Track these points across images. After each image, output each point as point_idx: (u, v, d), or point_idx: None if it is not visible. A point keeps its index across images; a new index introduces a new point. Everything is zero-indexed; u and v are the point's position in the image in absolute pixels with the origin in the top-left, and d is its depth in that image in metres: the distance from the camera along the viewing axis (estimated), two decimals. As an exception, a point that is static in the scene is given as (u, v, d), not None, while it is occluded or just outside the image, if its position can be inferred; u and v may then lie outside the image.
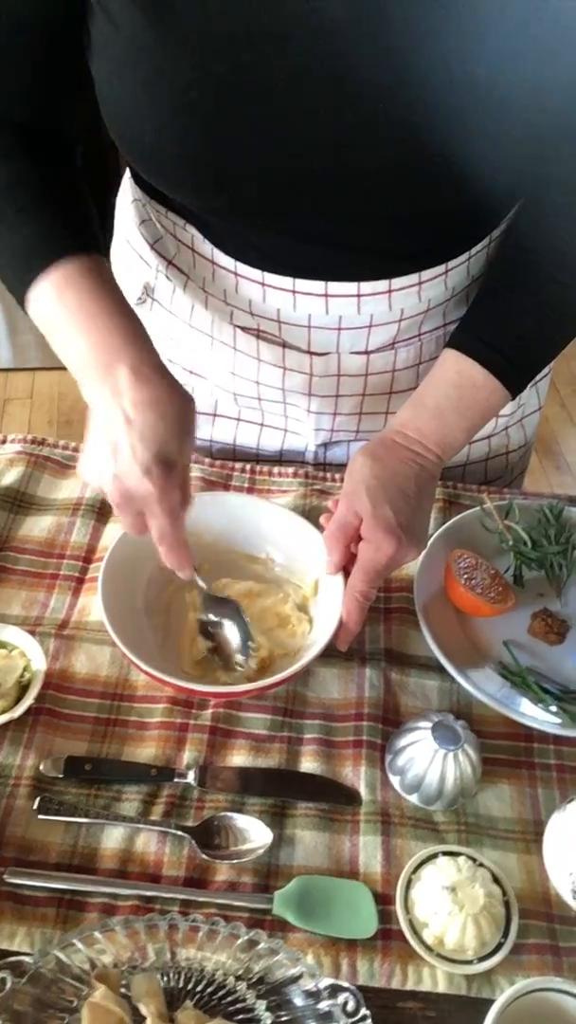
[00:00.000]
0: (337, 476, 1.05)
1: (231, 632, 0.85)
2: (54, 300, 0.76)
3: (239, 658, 0.84)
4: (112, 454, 0.72)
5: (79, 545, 0.97)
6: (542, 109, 0.72)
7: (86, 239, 0.78)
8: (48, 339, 0.78)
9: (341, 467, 1.06)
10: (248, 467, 1.06)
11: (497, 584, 0.91)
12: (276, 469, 1.06)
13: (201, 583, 0.84)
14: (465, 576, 0.90)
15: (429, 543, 0.92)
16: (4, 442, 1.07)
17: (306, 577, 0.91)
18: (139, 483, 0.72)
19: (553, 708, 0.83)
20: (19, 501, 1.01)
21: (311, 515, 0.93)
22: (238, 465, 1.06)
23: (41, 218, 0.78)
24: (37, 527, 0.99)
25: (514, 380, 0.86)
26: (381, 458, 0.85)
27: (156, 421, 0.72)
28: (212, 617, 0.86)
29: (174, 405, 0.74)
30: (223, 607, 0.86)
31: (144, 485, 0.72)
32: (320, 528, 0.88)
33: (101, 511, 1.00)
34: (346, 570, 0.84)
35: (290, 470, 1.05)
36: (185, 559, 0.78)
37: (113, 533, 0.95)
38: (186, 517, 0.77)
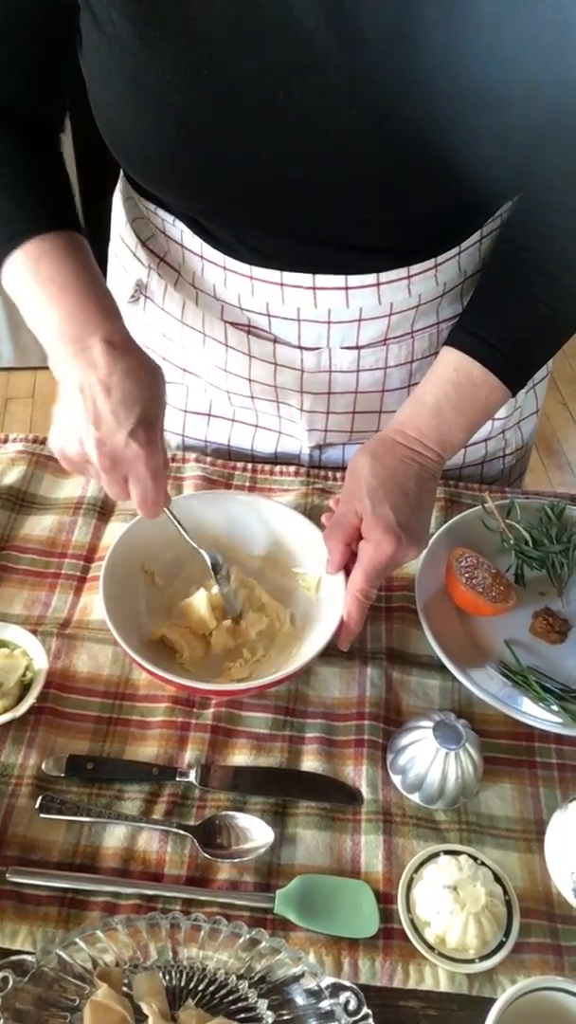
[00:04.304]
0: (338, 475, 1.05)
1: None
2: (30, 270, 0.78)
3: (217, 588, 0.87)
4: (93, 422, 0.75)
5: (80, 544, 0.97)
6: (530, 108, 0.71)
7: (66, 219, 0.81)
8: (20, 308, 0.81)
9: (341, 468, 1.06)
10: (249, 466, 1.06)
11: (498, 583, 0.91)
12: (277, 468, 1.06)
13: (180, 526, 0.85)
14: (466, 575, 0.90)
15: (430, 542, 0.92)
16: (6, 441, 1.07)
17: (307, 576, 0.91)
18: (126, 445, 0.75)
19: (554, 707, 0.83)
20: (21, 500, 1.01)
21: (312, 514, 0.93)
22: (239, 464, 1.06)
23: (25, 195, 0.81)
24: (39, 526, 0.99)
25: (513, 377, 0.86)
26: (381, 457, 0.85)
27: (135, 388, 0.76)
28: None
29: (147, 374, 0.78)
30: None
31: (131, 447, 0.75)
32: (322, 527, 0.88)
33: (102, 510, 1.00)
34: (347, 569, 0.84)
35: (291, 469, 1.05)
36: (160, 511, 0.80)
37: (114, 532, 0.94)
38: (168, 481, 0.81)
